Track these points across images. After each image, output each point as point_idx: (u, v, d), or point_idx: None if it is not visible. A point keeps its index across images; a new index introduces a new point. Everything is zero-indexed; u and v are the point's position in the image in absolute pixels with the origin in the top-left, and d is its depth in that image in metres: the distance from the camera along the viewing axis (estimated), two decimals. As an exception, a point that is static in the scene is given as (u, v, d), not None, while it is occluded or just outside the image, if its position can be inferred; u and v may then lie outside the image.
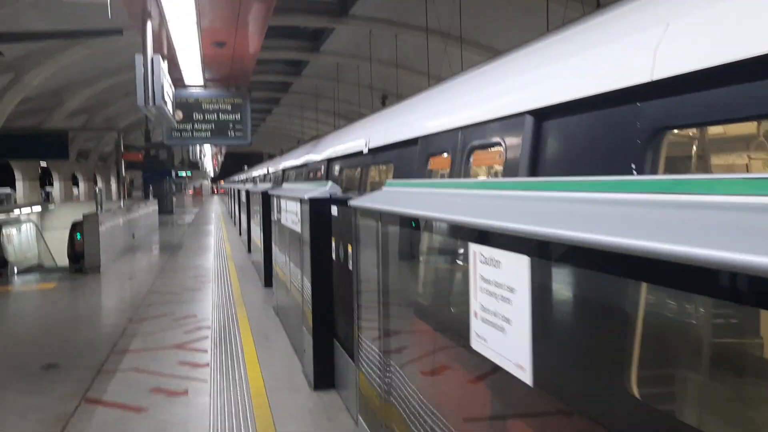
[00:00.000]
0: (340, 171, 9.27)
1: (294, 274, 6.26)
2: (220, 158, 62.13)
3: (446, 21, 14.46)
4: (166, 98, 6.72)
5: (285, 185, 8.14)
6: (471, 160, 2.95)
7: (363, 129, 6.36)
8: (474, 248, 2.01)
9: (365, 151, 5.52)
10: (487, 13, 15.11)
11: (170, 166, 34.94)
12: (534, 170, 2.27)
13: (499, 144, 2.59)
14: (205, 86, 11.18)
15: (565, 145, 2.17)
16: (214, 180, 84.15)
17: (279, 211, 7.32)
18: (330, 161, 9.77)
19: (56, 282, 11.21)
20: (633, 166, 1.72)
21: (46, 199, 33.11)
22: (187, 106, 11.27)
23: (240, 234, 18.87)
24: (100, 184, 36.17)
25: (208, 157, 45.98)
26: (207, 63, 9.61)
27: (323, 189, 5.04)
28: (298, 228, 5.79)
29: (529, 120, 2.28)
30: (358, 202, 3.18)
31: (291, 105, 33.12)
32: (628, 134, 1.77)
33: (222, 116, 11.36)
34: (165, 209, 31.35)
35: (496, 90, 2.78)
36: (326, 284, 5.03)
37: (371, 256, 3.40)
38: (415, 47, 18.59)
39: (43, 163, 27.78)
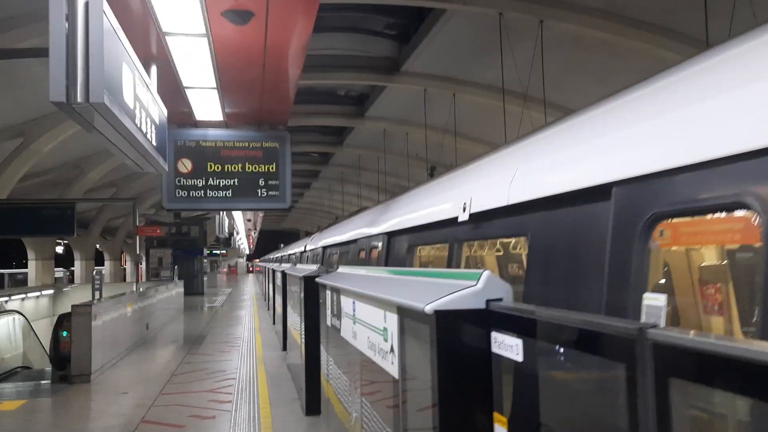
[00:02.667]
0: (410, 249, 6.52)
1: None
2: (255, 235, 60.96)
3: (516, 77, 11.98)
4: (127, 96, 3.48)
5: (342, 269, 5.19)
6: None
7: (456, 186, 4.73)
8: None
9: (463, 217, 3.92)
10: (567, 69, 12.71)
11: (202, 243, 32.87)
12: None
13: None
14: (226, 125, 7.69)
15: None
16: (249, 258, 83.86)
17: (339, 316, 4.34)
18: (392, 235, 7.22)
19: (26, 399, 8.34)
20: None
21: (71, 280, 31.08)
22: (197, 152, 7.53)
23: (273, 323, 16.01)
24: (124, 264, 34.11)
25: (242, 234, 44.41)
26: (222, 68, 5.90)
27: (468, 289, 2.11)
28: (386, 364, 2.86)
29: None
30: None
31: (331, 179, 31.39)
32: None
33: (249, 167, 7.59)
34: (194, 290, 28.90)
35: None
36: None
37: None
38: (474, 110, 16.30)
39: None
